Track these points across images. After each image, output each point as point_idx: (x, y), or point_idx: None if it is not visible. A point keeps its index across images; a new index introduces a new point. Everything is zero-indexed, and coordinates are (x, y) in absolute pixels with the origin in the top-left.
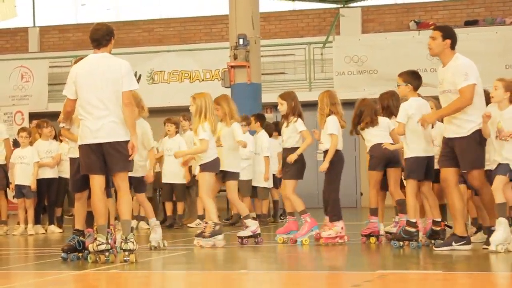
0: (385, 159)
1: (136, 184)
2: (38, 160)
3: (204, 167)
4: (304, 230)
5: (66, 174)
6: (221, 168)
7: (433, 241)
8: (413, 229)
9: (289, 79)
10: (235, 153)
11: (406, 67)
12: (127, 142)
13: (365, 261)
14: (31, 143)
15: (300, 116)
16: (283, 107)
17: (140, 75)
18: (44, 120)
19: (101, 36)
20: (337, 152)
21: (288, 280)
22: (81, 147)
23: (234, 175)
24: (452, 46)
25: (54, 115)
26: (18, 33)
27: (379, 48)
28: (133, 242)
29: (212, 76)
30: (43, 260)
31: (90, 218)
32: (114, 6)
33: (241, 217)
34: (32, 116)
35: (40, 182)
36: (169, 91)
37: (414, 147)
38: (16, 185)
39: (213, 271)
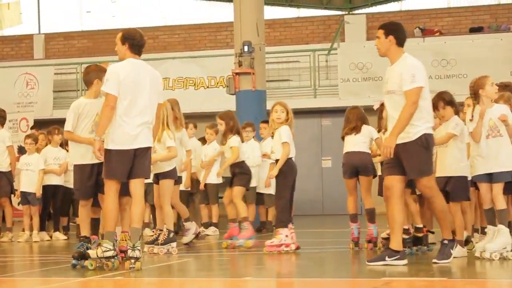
0: (352, 167)
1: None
2: (44, 168)
3: (166, 175)
4: (248, 233)
5: (71, 184)
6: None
7: (416, 248)
8: (406, 236)
9: (294, 86)
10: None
11: None
12: (151, 148)
13: (368, 268)
14: (37, 150)
15: (238, 133)
16: (222, 127)
17: None
18: (55, 127)
19: (144, 43)
20: (288, 160)
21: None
22: (116, 152)
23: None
24: (399, 43)
25: (59, 122)
26: (23, 40)
27: None
28: (139, 250)
29: (217, 83)
30: (48, 267)
31: (94, 225)
32: (119, 13)
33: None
34: (37, 123)
35: (46, 188)
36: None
37: None
38: (22, 192)
39: (219, 278)
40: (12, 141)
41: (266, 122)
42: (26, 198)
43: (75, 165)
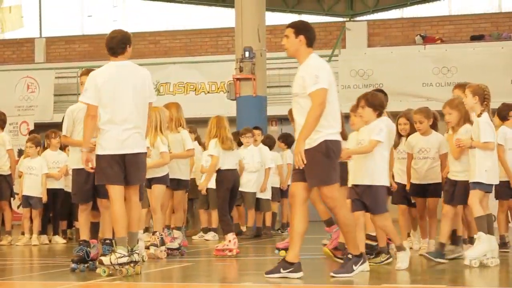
0: None
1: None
2: (47, 172)
3: (159, 180)
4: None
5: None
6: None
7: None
8: (373, 243)
9: None
10: None
11: (412, 81)
12: (145, 154)
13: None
14: (39, 153)
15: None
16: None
17: None
18: (53, 131)
19: (116, 44)
20: (220, 172)
21: None
22: (103, 157)
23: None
24: (309, 43)
25: (59, 126)
26: (25, 44)
27: (384, 62)
28: (138, 254)
29: (218, 89)
30: (47, 270)
31: (94, 229)
32: (120, 17)
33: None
34: (38, 126)
35: (47, 192)
36: None
37: None
38: (24, 196)
39: (219, 283)
40: (12, 144)
41: (257, 128)
42: (28, 201)
43: (72, 169)
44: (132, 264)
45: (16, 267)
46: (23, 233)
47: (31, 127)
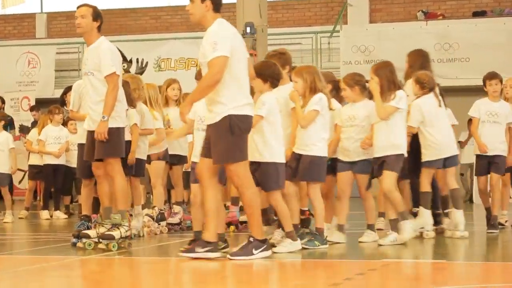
0: None
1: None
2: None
3: (159, 156)
4: None
5: (72, 164)
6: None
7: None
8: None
9: None
10: None
11: None
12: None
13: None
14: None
15: None
16: None
17: (147, 62)
18: (56, 106)
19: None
20: None
21: (292, 268)
22: (119, 130)
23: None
24: (215, 9)
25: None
26: (26, 19)
27: (386, 38)
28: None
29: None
30: (48, 245)
31: (96, 204)
32: None
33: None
34: (39, 102)
35: (46, 167)
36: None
37: None
38: None
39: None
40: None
41: None
42: None
43: (78, 144)
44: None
45: (17, 242)
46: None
47: (32, 103)
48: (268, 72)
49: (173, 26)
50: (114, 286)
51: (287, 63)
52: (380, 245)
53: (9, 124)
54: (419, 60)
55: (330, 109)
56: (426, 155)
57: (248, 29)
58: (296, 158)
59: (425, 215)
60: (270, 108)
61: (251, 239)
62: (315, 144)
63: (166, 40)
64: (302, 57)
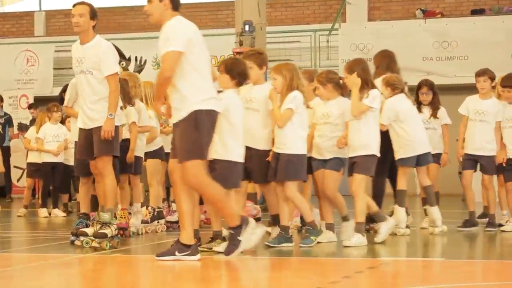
0: None
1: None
2: None
3: (152, 154)
4: None
5: (71, 162)
6: None
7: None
8: None
9: None
10: None
11: (412, 56)
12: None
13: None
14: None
15: None
16: None
17: (145, 60)
18: (54, 104)
19: None
20: None
21: (289, 266)
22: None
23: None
24: (174, 7)
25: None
26: (24, 17)
27: (385, 36)
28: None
29: (218, 62)
30: (47, 243)
31: (94, 202)
32: None
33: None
34: (37, 100)
35: (45, 165)
36: None
37: None
38: None
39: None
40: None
41: None
42: None
43: (75, 142)
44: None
45: (15, 240)
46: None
47: (31, 101)
48: (238, 70)
49: None
50: (112, 284)
51: (265, 63)
52: (346, 246)
53: (7, 122)
54: (385, 61)
55: (307, 107)
56: (400, 153)
57: (247, 27)
58: (276, 158)
59: (400, 213)
60: (227, 105)
61: (231, 231)
62: (292, 142)
63: None
64: (300, 55)
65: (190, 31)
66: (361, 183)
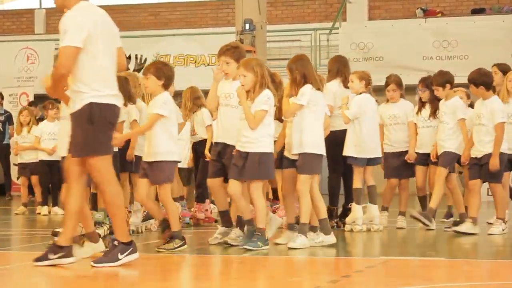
0: None
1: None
2: None
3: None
4: None
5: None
6: None
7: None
8: None
9: None
10: None
11: (412, 55)
12: None
13: (367, 247)
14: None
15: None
16: None
17: (145, 59)
18: (50, 101)
19: None
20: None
21: (290, 265)
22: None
23: None
24: None
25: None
26: (24, 15)
27: (385, 35)
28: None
29: (218, 61)
30: (47, 241)
31: (94, 200)
32: None
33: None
34: (37, 98)
35: (42, 163)
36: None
37: None
38: None
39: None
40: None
41: None
42: None
43: None
44: None
45: (15, 238)
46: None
47: (31, 98)
48: (167, 74)
49: (171, 22)
50: (111, 283)
51: (242, 57)
52: (290, 248)
53: (7, 120)
54: (336, 65)
55: (275, 105)
56: (351, 150)
57: (247, 26)
58: (243, 157)
59: (357, 210)
60: (168, 107)
61: (116, 242)
62: (261, 141)
63: (164, 37)
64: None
65: (89, 23)
66: (305, 183)
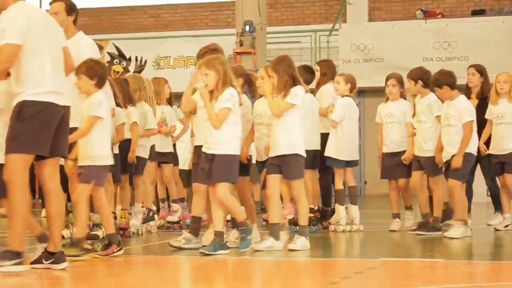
0: None
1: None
2: None
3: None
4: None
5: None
6: None
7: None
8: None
9: None
10: None
11: (412, 56)
12: None
13: (367, 249)
14: None
15: None
16: None
17: (146, 61)
18: None
19: None
20: None
21: (289, 267)
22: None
23: None
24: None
25: None
26: None
27: (385, 36)
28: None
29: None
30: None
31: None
32: None
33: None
34: None
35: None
36: (174, 77)
37: None
38: None
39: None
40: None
41: None
42: None
43: None
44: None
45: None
46: None
47: None
48: (99, 72)
49: (172, 24)
50: (110, 283)
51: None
52: (290, 249)
53: None
54: (331, 69)
55: (240, 104)
56: (332, 152)
57: (247, 28)
58: (209, 159)
59: (341, 211)
60: (105, 108)
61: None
62: (228, 143)
63: (165, 38)
64: (301, 55)
65: (29, 21)
66: (301, 187)
